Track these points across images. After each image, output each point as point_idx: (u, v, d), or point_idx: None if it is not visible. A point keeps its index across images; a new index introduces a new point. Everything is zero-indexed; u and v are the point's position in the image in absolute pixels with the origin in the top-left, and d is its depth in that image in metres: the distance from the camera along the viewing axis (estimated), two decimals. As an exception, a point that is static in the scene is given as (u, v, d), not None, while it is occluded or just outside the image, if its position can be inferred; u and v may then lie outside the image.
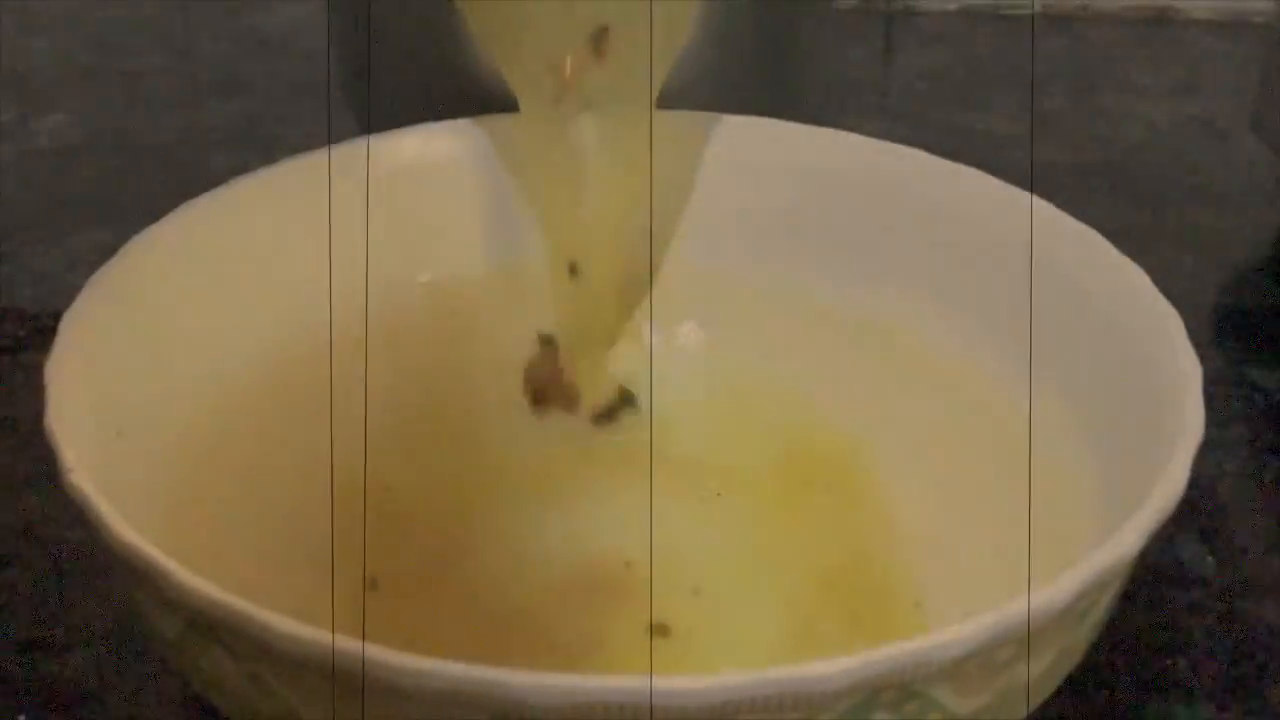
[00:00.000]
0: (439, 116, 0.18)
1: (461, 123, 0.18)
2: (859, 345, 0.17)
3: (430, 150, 0.18)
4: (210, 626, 0.11)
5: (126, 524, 0.11)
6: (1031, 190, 0.16)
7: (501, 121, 0.17)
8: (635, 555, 0.16)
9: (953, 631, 0.10)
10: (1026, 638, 0.11)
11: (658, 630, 0.15)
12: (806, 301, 0.18)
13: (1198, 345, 0.13)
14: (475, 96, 0.18)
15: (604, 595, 0.15)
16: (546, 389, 0.17)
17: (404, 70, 0.21)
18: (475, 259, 0.18)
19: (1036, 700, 0.12)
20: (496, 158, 0.17)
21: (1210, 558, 0.17)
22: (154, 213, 0.16)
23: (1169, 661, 0.16)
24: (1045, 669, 0.11)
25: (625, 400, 0.17)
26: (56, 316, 0.14)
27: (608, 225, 0.17)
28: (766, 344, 0.18)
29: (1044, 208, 0.16)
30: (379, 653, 0.10)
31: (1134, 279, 0.15)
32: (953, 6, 0.34)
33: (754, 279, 0.18)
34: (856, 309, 0.17)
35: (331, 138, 0.17)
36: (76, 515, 0.12)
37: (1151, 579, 0.17)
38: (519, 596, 0.15)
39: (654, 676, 0.10)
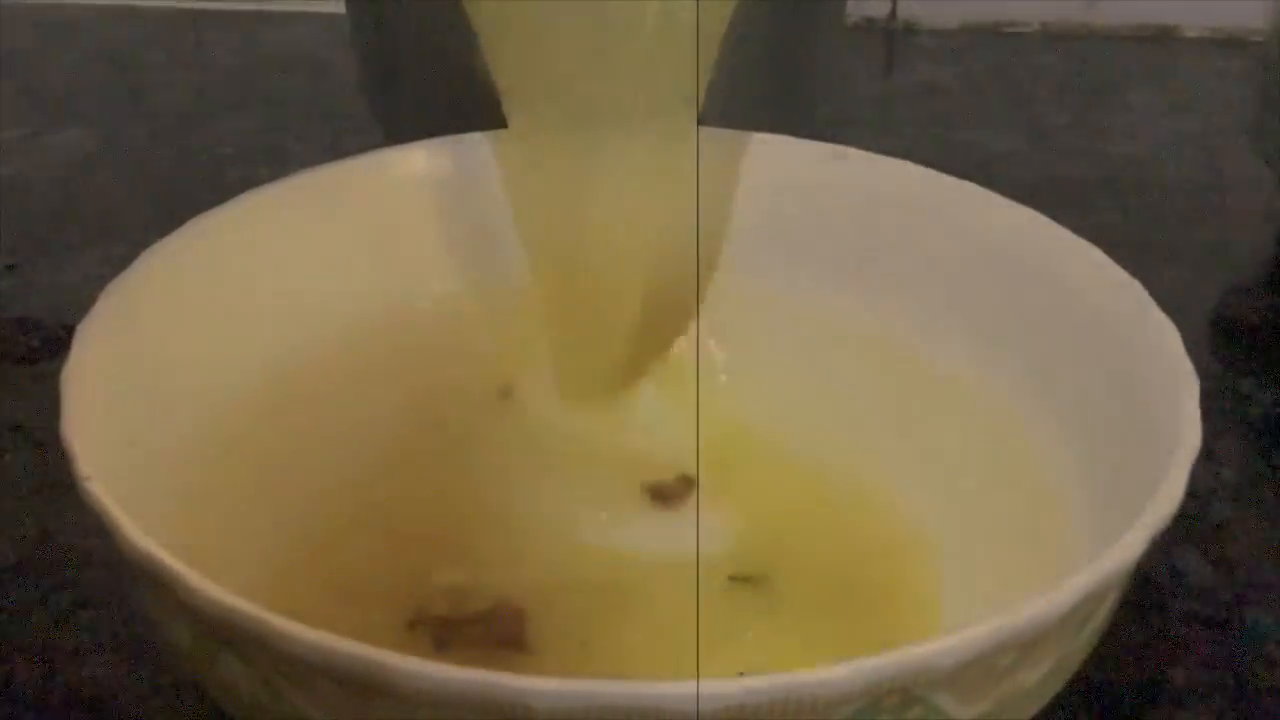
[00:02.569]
0: (462, 124, 0.18)
1: (475, 137, 0.18)
2: (859, 356, 0.17)
3: (442, 165, 0.18)
4: (222, 632, 0.11)
5: (141, 531, 0.11)
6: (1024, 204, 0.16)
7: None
8: (646, 563, 0.16)
9: (954, 638, 0.10)
10: (1026, 645, 0.11)
11: (667, 635, 0.15)
12: (807, 315, 0.18)
13: (1194, 358, 0.14)
14: (497, 102, 0.17)
15: (612, 598, 0.15)
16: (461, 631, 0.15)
17: (427, 77, 0.21)
18: (485, 274, 0.18)
19: (1036, 707, 0.12)
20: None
21: (1207, 567, 0.17)
22: (166, 226, 0.16)
23: (1166, 670, 0.16)
24: (1045, 676, 0.11)
25: (686, 484, 0.16)
26: (69, 328, 0.14)
27: (603, 250, 0.17)
28: (772, 358, 0.18)
29: (1043, 222, 0.16)
30: (390, 658, 0.10)
31: (1132, 292, 0.15)
32: (953, 24, 0.34)
33: (757, 295, 0.18)
34: (854, 320, 0.17)
35: (343, 152, 0.18)
36: (91, 522, 0.12)
37: (1149, 588, 0.17)
38: (528, 604, 0.15)
39: (660, 682, 0.10)
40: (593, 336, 0.17)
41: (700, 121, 0.17)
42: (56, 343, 0.21)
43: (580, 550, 0.16)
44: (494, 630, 0.15)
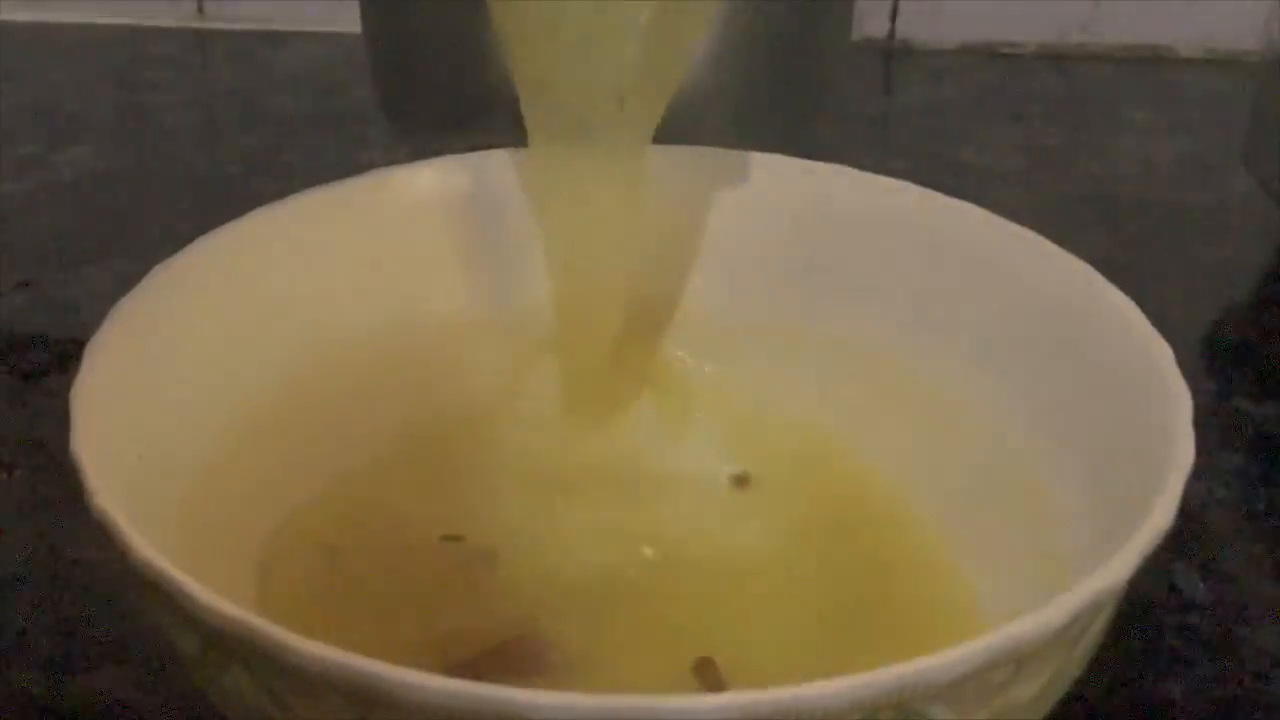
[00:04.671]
0: (479, 132, 0.18)
1: (483, 155, 0.18)
2: (862, 375, 0.18)
3: (449, 183, 0.18)
4: (229, 645, 0.11)
5: (150, 545, 0.11)
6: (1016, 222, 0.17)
7: (522, 155, 0.18)
8: (652, 572, 0.16)
9: (949, 653, 0.10)
10: (1021, 660, 0.11)
11: (701, 659, 0.15)
12: (810, 333, 0.18)
13: (1189, 376, 0.14)
14: (515, 109, 0.17)
15: (618, 610, 0.15)
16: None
17: (445, 85, 0.21)
18: (491, 292, 0.18)
19: (1032, 720, 0.12)
20: (516, 192, 0.18)
21: (1202, 583, 0.18)
22: (174, 244, 0.16)
23: (1162, 684, 0.16)
24: (1040, 690, 0.11)
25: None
26: (78, 344, 0.14)
27: (612, 264, 0.17)
28: (779, 378, 0.18)
29: (1039, 242, 0.16)
30: (394, 672, 0.10)
31: (1126, 311, 0.15)
32: (951, 44, 0.35)
33: (762, 314, 0.18)
34: (857, 339, 0.18)
35: (349, 170, 0.18)
36: (100, 536, 0.12)
37: (1145, 604, 0.17)
38: (531, 611, 0.15)
39: (655, 696, 0.10)
40: (595, 351, 0.17)
41: (698, 139, 0.17)
42: (65, 359, 0.21)
43: (591, 569, 0.16)
44: (515, 660, 0.15)
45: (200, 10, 0.36)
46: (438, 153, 0.18)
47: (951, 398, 0.17)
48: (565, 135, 0.16)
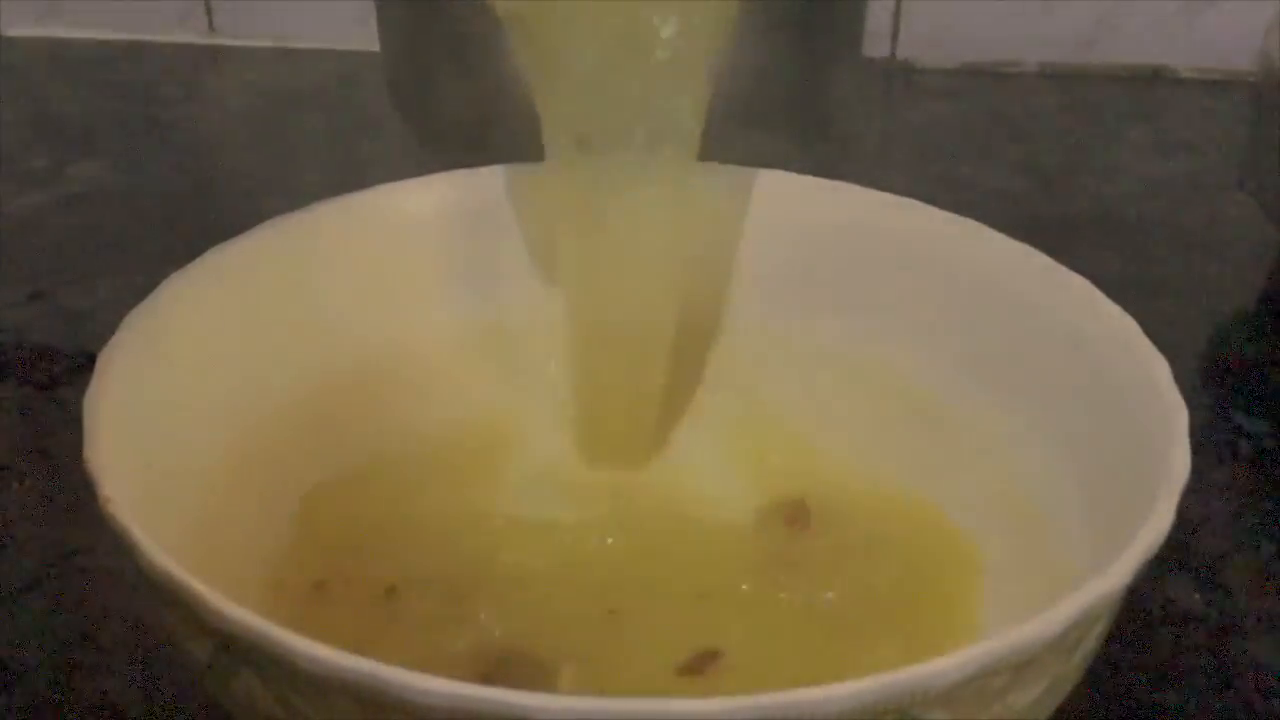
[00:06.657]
0: (494, 147, 0.18)
1: (490, 170, 0.18)
2: (858, 387, 0.18)
3: (456, 198, 0.18)
4: (241, 649, 0.11)
5: (160, 550, 0.12)
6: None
7: (528, 170, 0.18)
8: (655, 574, 0.16)
9: (949, 659, 0.10)
10: (1019, 667, 0.11)
11: (704, 655, 0.15)
12: (809, 344, 0.18)
13: (1186, 392, 0.14)
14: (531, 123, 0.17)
15: (626, 615, 0.16)
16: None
17: (460, 98, 0.22)
18: (496, 306, 0.18)
19: (1031, 729, 0.12)
20: (521, 207, 0.18)
21: (1198, 595, 0.18)
22: (185, 257, 0.16)
23: (1159, 694, 0.16)
24: (1038, 698, 0.12)
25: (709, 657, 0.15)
26: (89, 355, 0.14)
27: (630, 284, 0.17)
28: (782, 389, 0.18)
29: (1039, 258, 0.17)
30: (404, 676, 0.10)
31: (1125, 327, 0.15)
32: (952, 64, 0.35)
33: (766, 331, 0.18)
34: (856, 352, 0.18)
35: (357, 185, 0.18)
36: (111, 542, 0.12)
37: (1142, 616, 0.17)
38: (532, 622, 0.16)
39: (654, 700, 0.10)
40: (611, 377, 0.17)
41: (701, 156, 0.17)
42: (77, 370, 0.22)
43: (592, 588, 0.16)
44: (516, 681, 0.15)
45: (211, 27, 0.37)
46: (454, 168, 0.18)
47: (950, 409, 0.17)
48: (599, 178, 0.16)
